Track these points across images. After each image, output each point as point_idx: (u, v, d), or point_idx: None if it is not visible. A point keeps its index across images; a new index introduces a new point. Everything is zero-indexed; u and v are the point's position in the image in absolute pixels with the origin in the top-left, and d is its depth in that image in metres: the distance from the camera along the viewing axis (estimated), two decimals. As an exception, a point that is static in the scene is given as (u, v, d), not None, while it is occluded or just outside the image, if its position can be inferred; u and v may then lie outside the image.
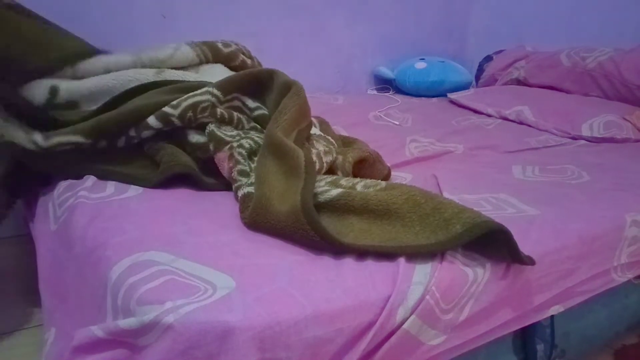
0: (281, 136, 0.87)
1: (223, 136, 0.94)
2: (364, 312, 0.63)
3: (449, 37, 2.46)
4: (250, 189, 0.83)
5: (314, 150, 0.94)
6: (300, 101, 0.98)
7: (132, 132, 0.97)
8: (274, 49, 1.97)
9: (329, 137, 1.07)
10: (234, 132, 0.97)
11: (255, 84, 1.06)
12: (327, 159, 0.95)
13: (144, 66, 1.15)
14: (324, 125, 1.20)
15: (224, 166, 0.91)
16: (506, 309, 0.77)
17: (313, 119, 1.12)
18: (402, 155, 1.26)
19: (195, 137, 0.97)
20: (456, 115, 1.77)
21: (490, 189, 1.02)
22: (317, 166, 0.89)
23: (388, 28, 2.26)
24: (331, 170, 0.97)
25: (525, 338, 0.87)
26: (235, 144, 0.92)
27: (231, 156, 0.90)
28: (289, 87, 1.00)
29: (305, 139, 0.98)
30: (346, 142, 1.14)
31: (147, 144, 1.00)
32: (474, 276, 0.71)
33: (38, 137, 0.92)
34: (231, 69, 1.30)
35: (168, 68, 1.17)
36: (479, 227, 0.70)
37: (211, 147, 0.93)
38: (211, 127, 0.96)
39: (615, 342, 1.17)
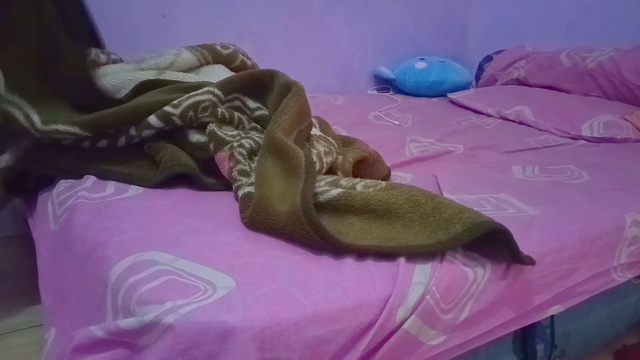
0: (281, 136, 0.87)
1: (223, 136, 0.94)
2: (364, 312, 0.63)
3: (449, 37, 2.46)
4: (251, 189, 0.83)
5: (314, 151, 0.94)
6: (301, 101, 0.98)
7: (133, 131, 0.97)
8: (274, 49, 1.97)
9: (329, 138, 1.07)
10: (235, 132, 0.97)
11: (256, 85, 1.06)
12: (327, 159, 0.95)
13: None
14: (324, 126, 1.20)
15: (224, 166, 0.91)
16: (506, 309, 0.77)
17: (313, 119, 1.12)
18: (402, 155, 1.26)
19: (195, 137, 0.97)
20: (456, 115, 1.77)
21: (490, 189, 1.02)
22: (317, 166, 0.89)
23: (388, 28, 2.26)
24: (331, 170, 0.97)
25: (525, 338, 0.87)
26: (235, 144, 0.92)
27: (231, 156, 0.90)
28: (289, 87, 1.00)
29: (305, 139, 0.98)
30: (346, 142, 1.14)
31: (147, 143, 1.00)
32: (474, 276, 0.71)
33: (36, 119, 0.92)
34: (231, 70, 1.30)
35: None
36: (479, 227, 0.70)
37: (211, 146, 0.93)
38: (212, 126, 0.96)
39: (615, 342, 1.17)
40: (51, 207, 0.89)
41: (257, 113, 1.05)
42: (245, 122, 1.03)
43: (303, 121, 0.99)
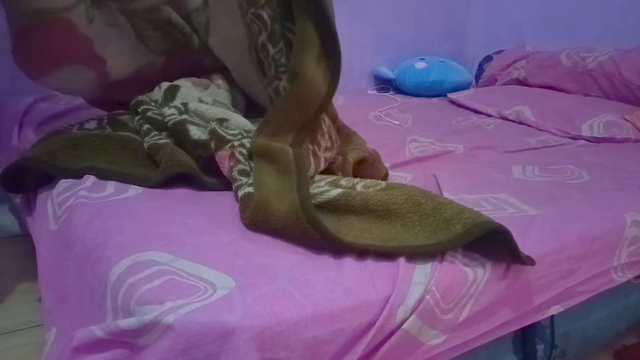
0: (264, 141, 0.87)
1: (224, 134, 0.94)
2: (364, 312, 0.63)
3: (449, 37, 2.46)
4: (251, 189, 0.83)
5: (310, 147, 0.93)
6: (298, 95, 0.93)
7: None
8: (274, 49, 1.96)
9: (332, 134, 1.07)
10: (236, 131, 0.97)
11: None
12: (325, 155, 0.94)
13: None
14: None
15: (225, 165, 0.91)
16: (506, 309, 0.77)
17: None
18: (402, 155, 1.26)
19: (197, 134, 0.97)
20: (456, 115, 1.77)
21: (490, 189, 1.02)
22: (313, 163, 0.89)
23: (388, 28, 2.26)
24: (331, 170, 0.97)
25: (525, 338, 0.87)
26: (236, 143, 0.92)
27: (232, 155, 0.90)
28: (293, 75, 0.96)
29: (306, 137, 0.96)
30: (344, 134, 1.14)
31: (147, 142, 1.00)
32: (474, 276, 0.71)
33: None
34: None
35: None
36: (479, 227, 0.70)
37: (212, 145, 0.93)
38: (213, 124, 0.96)
39: (615, 342, 1.17)
40: (51, 207, 0.89)
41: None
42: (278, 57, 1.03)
43: (295, 125, 0.95)
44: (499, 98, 1.85)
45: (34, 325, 1.15)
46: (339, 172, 0.96)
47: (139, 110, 1.08)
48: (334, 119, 1.18)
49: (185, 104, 1.07)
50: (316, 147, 0.94)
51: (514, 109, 1.73)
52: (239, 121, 1.02)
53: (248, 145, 0.92)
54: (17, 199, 1.12)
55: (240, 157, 0.89)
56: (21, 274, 1.32)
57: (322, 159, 0.93)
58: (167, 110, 1.04)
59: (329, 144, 0.98)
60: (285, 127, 0.93)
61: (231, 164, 0.89)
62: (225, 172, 0.91)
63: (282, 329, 0.57)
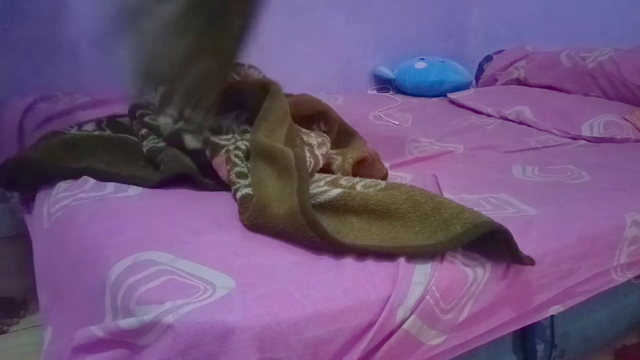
0: (265, 140, 0.87)
1: (218, 141, 0.94)
2: (364, 312, 0.63)
3: (449, 37, 2.46)
4: (249, 190, 0.83)
5: (305, 147, 0.94)
6: (280, 101, 0.98)
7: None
8: (274, 48, 1.96)
9: (320, 132, 1.07)
10: (229, 136, 0.97)
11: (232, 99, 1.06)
12: (321, 151, 0.94)
13: None
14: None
15: (222, 170, 0.91)
16: (506, 309, 0.77)
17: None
18: (402, 155, 1.26)
19: (192, 144, 0.97)
20: (456, 115, 1.77)
21: (490, 189, 1.02)
22: (312, 162, 0.89)
23: (388, 28, 2.26)
24: (331, 170, 0.97)
25: (525, 338, 0.87)
26: (231, 147, 0.92)
27: (228, 159, 0.90)
28: (265, 87, 0.99)
29: (296, 136, 0.97)
30: (347, 134, 1.14)
31: (147, 146, 1.00)
32: (474, 276, 0.71)
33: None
34: None
35: None
36: (479, 227, 0.70)
37: (207, 153, 0.93)
38: (206, 133, 0.96)
39: (615, 342, 1.17)
40: (46, 205, 0.89)
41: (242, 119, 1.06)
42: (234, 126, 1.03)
43: (286, 120, 0.99)
44: (499, 98, 1.85)
45: (34, 325, 1.15)
46: (339, 172, 0.96)
47: (136, 114, 1.08)
48: (334, 121, 1.18)
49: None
50: (311, 147, 0.95)
51: (514, 109, 1.73)
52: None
53: (243, 147, 0.92)
54: (17, 199, 1.12)
55: (237, 160, 0.89)
56: (21, 274, 1.32)
57: (320, 157, 0.93)
58: (162, 120, 1.03)
59: (319, 140, 0.98)
60: (278, 121, 0.94)
61: (228, 167, 0.89)
62: (224, 177, 0.91)
63: (282, 329, 0.57)
